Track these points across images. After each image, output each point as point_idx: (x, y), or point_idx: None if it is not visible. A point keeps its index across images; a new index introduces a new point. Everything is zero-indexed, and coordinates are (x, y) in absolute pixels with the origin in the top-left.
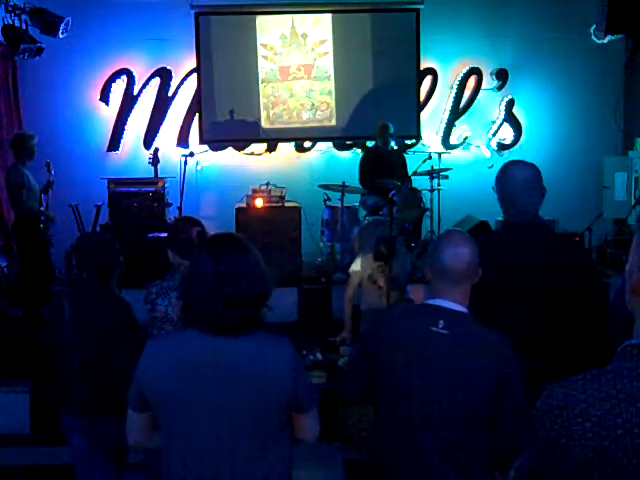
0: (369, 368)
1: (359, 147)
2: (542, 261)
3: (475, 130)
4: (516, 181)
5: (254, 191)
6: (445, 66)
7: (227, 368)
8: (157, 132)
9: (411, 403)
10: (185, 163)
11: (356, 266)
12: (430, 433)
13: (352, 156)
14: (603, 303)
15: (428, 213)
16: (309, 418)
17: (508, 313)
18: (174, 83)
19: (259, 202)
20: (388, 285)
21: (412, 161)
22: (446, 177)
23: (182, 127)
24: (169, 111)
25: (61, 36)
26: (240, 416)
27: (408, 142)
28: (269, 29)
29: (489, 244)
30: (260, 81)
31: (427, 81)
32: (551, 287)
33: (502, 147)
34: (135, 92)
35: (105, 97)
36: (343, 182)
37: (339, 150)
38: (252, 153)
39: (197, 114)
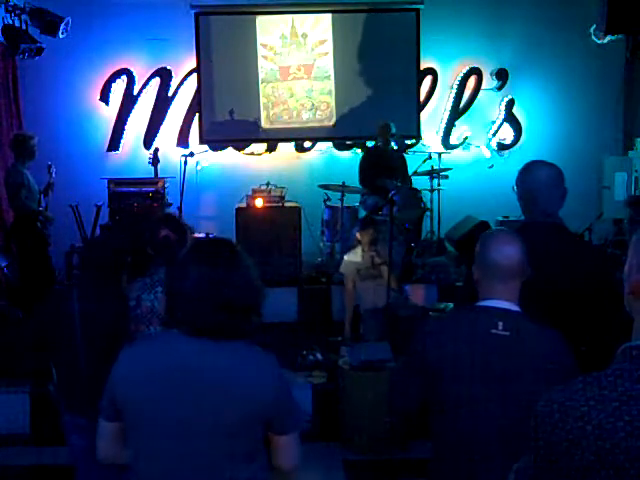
0: (421, 376)
1: (359, 147)
2: (563, 263)
3: (475, 130)
4: (538, 181)
5: (254, 191)
6: (445, 66)
7: (203, 374)
8: (157, 132)
9: (478, 406)
10: (185, 163)
11: (346, 262)
12: (498, 435)
13: (352, 156)
14: (615, 307)
15: (428, 213)
16: (288, 442)
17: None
18: (174, 83)
19: (259, 202)
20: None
21: (412, 161)
22: (446, 177)
23: (182, 127)
24: (169, 111)
25: (61, 36)
26: (213, 428)
27: (408, 142)
28: (269, 29)
29: None
30: (260, 81)
31: (427, 81)
32: (565, 288)
33: (502, 147)
34: (135, 92)
35: (105, 97)
36: (343, 182)
37: (339, 150)
38: (252, 153)
39: (197, 114)
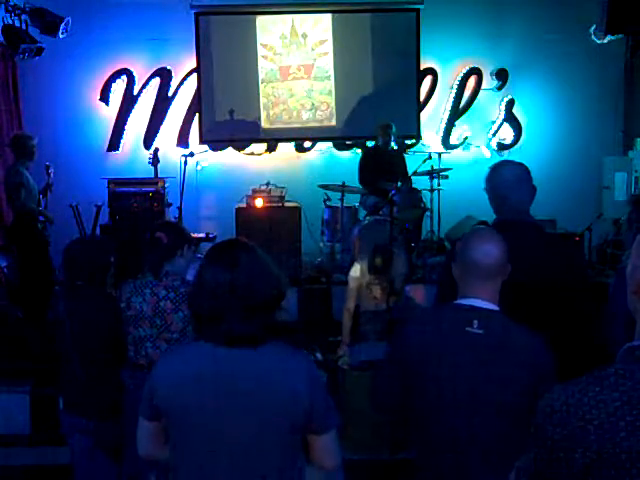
0: (401, 376)
1: (359, 147)
2: (530, 259)
3: (475, 130)
4: (506, 180)
5: (254, 191)
6: (445, 66)
7: (236, 382)
8: (157, 132)
9: (450, 405)
10: (185, 163)
11: (355, 272)
12: (468, 434)
13: (352, 156)
14: (590, 302)
15: (428, 213)
16: (328, 441)
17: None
18: (174, 83)
19: (259, 202)
20: (385, 292)
21: (412, 161)
22: (446, 177)
23: (182, 127)
24: (169, 111)
25: (61, 36)
26: (255, 432)
27: (408, 142)
28: (269, 29)
29: None
30: (260, 81)
31: (427, 81)
32: (539, 286)
33: (502, 147)
34: (135, 92)
35: (105, 97)
36: (343, 182)
37: (339, 150)
38: (252, 153)
39: (197, 114)
